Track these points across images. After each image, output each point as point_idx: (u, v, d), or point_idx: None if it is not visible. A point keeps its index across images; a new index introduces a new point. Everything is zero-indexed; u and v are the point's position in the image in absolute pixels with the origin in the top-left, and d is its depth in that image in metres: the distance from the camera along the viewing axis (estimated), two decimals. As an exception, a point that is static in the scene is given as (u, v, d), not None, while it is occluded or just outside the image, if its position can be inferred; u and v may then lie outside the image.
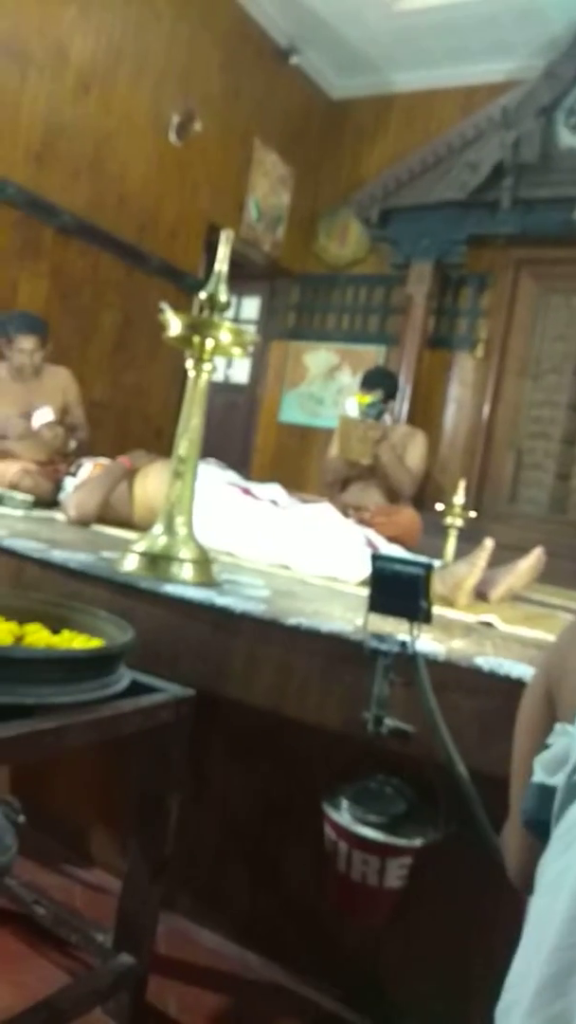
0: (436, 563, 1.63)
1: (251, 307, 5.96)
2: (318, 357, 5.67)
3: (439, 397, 5.14)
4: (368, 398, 3.37)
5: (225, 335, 1.68)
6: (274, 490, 2.47)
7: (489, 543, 1.84)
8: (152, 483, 2.52)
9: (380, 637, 1.18)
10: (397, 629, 1.22)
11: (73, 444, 2.97)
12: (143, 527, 2.41)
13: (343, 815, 1.24)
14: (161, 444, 4.46)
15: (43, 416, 2.91)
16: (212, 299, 1.68)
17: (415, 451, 3.43)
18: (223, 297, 1.69)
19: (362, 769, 1.33)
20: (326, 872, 1.27)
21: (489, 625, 1.66)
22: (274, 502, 2.39)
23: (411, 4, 4.71)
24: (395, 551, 2.15)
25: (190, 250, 4.76)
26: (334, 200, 5.56)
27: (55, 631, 1.35)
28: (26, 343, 3.03)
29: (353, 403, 3.44)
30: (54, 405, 3.07)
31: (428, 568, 1.14)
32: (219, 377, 5.83)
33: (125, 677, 1.28)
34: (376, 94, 5.48)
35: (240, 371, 6.00)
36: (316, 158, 5.62)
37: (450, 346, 5.12)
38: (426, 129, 5.10)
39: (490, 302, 5.02)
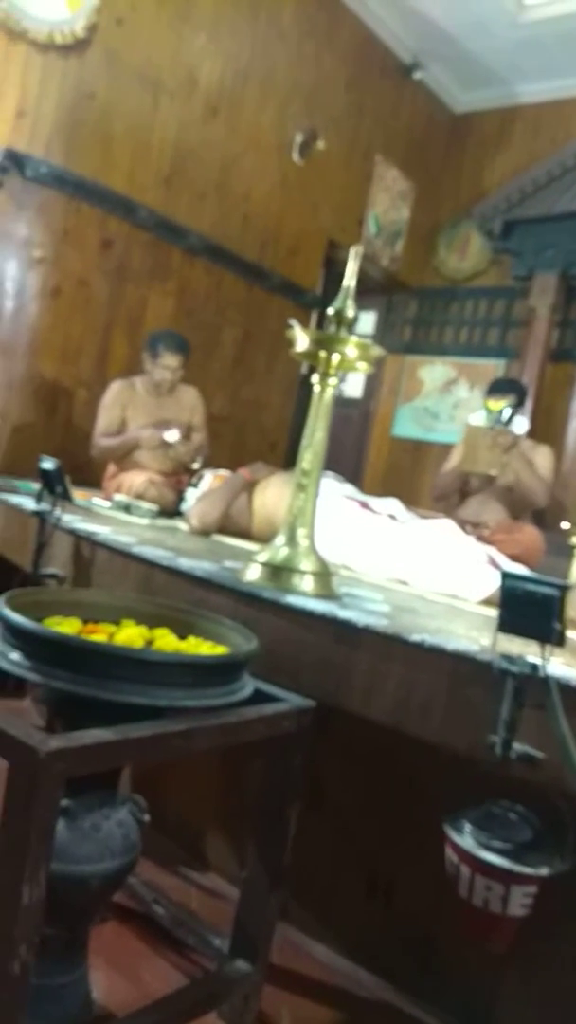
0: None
1: (367, 322, 5.95)
2: (434, 371, 5.61)
3: (562, 411, 4.97)
4: (502, 403, 3.25)
5: (351, 350, 1.69)
6: (392, 504, 2.46)
7: (621, 564, 1.77)
8: (271, 495, 2.56)
9: (510, 658, 1.15)
10: (524, 650, 1.19)
11: (199, 462, 3.07)
12: (261, 538, 2.45)
13: (466, 839, 1.21)
14: (275, 457, 4.52)
15: (172, 436, 3.05)
16: (339, 314, 1.70)
17: (543, 463, 3.26)
18: (350, 313, 1.70)
19: (484, 793, 1.30)
20: (446, 895, 1.25)
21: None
22: (392, 517, 2.37)
23: (537, 14, 4.62)
24: (518, 571, 2.09)
25: (310, 267, 4.81)
26: (455, 214, 5.50)
27: (182, 637, 1.39)
28: (172, 361, 3.20)
29: (481, 414, 3.32)
30: (181, 422, 3.20)
31: (563, 588, 1.11)
32: (334, 391, 5.85)
33: (249, 685, 1.30)
34: (500, 106, 5.40)
35: (354, 385, 6.00)
36: (437, 172, 5.59)
37: (575, 359, 4.96)
38: (552, 139, 4.99)
39: (619, 314, 4.85)
